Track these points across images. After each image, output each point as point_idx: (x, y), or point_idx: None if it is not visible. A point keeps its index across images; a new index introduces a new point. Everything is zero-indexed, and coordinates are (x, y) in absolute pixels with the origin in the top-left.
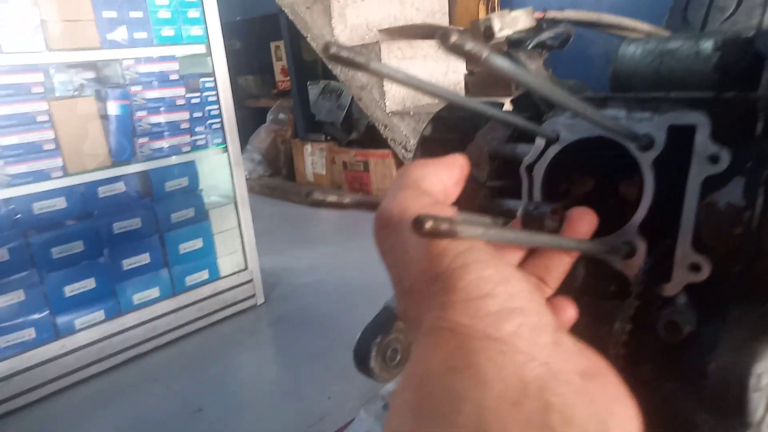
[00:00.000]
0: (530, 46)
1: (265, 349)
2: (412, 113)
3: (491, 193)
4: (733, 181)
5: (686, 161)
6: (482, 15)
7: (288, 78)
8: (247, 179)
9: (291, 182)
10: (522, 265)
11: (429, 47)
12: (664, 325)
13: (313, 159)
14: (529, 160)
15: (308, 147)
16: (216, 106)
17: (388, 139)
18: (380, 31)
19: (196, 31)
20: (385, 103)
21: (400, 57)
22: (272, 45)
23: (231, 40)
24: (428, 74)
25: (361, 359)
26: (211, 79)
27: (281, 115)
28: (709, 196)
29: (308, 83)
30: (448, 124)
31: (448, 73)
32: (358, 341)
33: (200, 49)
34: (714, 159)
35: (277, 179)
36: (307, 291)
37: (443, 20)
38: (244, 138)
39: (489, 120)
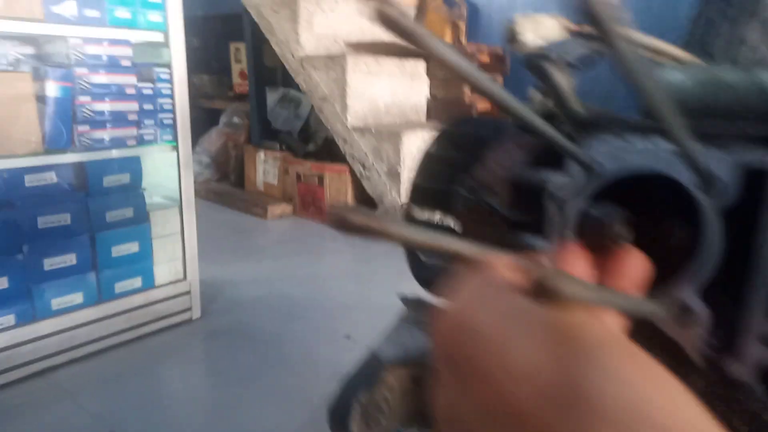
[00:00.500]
0: (555, 59)
1: (196, 367)
2: (374, 130)
3: (508, 226)
4: None
5: (757, 208)
6: (448, 38)
7: (245, 81)
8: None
9: (239, 189)
10: None
11: (395, 66)
12: (739, 416)
13: (265, 167)
14: (562, 192)
15: (261, 154)
16: (169, 100)
17: (347, 155)
18: (347, 44)
19: (155, 17)
20: (346, 117)
21: (366, 72)
22: (232, 46)
23: (189, 36)
24: (391, 93)
25: (339, 419)
26: (167, 70)
27: (235, 119)
28: None
29: (267, 89)
30: (456, 141)
31: (410, 95)
32: (337, 396)
33: (158, 36)
34: None
35: (224, 185)
36: (248, 306)
37: None
38: (194, 139)
39: (500, 139)
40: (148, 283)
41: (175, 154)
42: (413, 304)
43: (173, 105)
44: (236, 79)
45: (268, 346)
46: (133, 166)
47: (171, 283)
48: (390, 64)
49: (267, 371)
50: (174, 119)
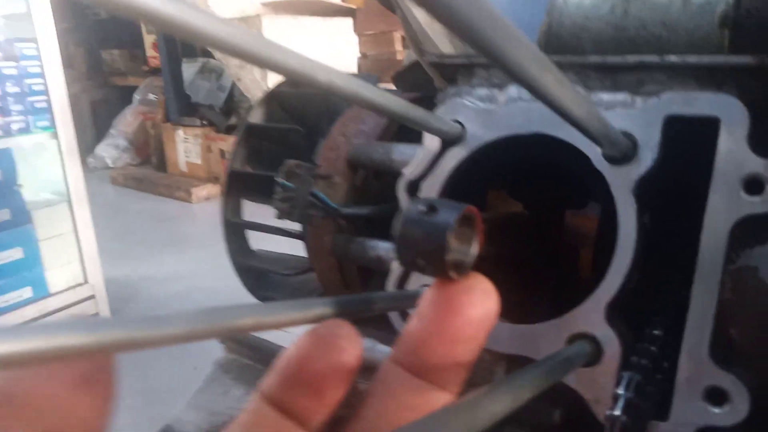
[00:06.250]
0: None
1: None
2: None
3: (351, 228)
4: None
5: (699, 186)
6: None
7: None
8: (109, 168)
9: (162, 173)
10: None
11: (318, 25)
12: None
13: (186, 146)
14: (414, 173)
15: (180, 132)
16: (40, 80)
17: None
18: (263, 4)
19: None
20: (267, 85)
21: (285, 33)
22: None
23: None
24: (316, 53)
25: None
26: (33, 45)
27: (151, 96)
28: (743, 254)
29: (184, 60)
30: (290, 106)
31: (338, 55)
32: None
33: (17, 7)
34: (754, 185)
35: (146, 168)
36: (170, 305)
37: None
38: (109, 121)
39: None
40: (41, 292)
41: (55, 142)
42: (237, 345)
43: (45, 85)
44: (150, 51)
45: (195, 351)
46: (4, 160)
47: (69, 288)
48: (312, 23)
49: (193, 382)
50: (48, 102)
